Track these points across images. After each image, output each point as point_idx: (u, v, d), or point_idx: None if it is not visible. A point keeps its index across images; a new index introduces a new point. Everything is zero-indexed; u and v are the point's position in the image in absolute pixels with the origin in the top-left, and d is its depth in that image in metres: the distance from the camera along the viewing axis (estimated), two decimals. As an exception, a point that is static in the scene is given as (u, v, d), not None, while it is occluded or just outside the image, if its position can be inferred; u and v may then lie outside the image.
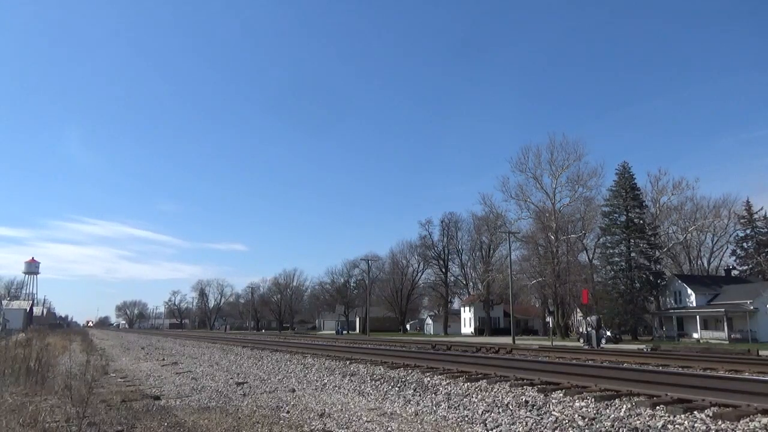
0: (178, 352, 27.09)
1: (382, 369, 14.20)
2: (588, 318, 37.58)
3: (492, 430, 7.21)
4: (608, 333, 37.91)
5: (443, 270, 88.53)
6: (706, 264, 71.88)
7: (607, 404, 8.00)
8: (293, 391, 11.31)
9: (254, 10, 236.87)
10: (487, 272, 72.24)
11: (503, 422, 7.43)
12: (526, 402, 8.53)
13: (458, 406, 8.71)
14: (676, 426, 6.61)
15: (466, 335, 75.64)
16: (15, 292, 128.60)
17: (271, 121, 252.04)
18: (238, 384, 12.57)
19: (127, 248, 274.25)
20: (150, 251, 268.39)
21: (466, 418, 7.86)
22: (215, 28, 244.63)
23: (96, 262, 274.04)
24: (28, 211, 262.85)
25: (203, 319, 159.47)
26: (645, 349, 25.44)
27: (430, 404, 9.05)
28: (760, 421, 6.56)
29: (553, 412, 7.72)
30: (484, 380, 11.03)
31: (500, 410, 8.11)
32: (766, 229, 62.39)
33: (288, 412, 8.75)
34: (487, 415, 7.92)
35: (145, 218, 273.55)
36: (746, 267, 63.47)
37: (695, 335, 49.17)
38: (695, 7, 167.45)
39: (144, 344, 36.74)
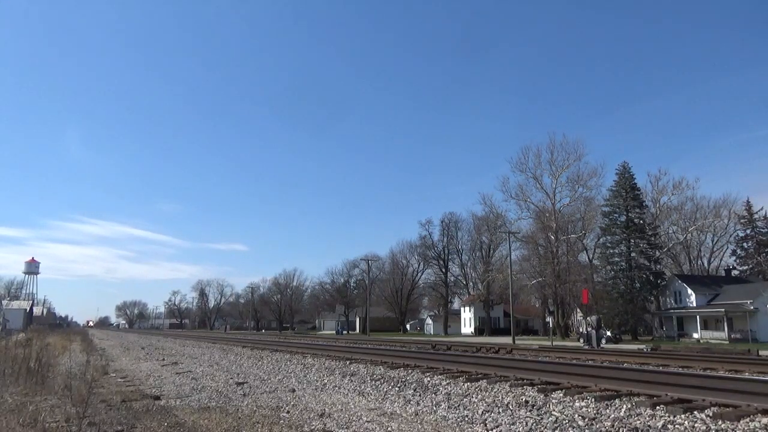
0: (178, 352, 27.08)
1: (382, 369, 14.20)
2: (588, 318, 37.59)
3: (492, 430, 7.21)
4: (608, 333, 37.91)
5: (443, 270, 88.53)
6: (706, 264, 71.86)
7: (607, 404, 8.00)
8: (293, 391, 11.30)
9: (255, 10, 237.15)
10: (487, 272, 72.22)
11: (503, 422, 7.42)
12: (526, 402, 8.53)
13: (458, 406, 8.71)
14: (676, 426, 6.60)
15: (466, 335, 75.64)
16: (15, 292, 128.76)
17: (272, 121, 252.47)
18: (238, 384, 12.56)
19: (127, 248, 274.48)
20: (150, 251, 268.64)
21: (466, 418, 7.85)
22: (215, 28, 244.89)
23: (96, 262, 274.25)
24: (28, 211, 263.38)
25: (203, 319, 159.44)
26: (645, 349, 25.43)
27: (430, 404, 9.04)
28: (760, 421, 6.56)
29: (553, 412, 7.71)
30: (484, 380, 11.03)
31: (500, 410, 8.11)
32: (766, 229, 62.36)
33: (288, 412, 8.75)
34: (487, 415, 7.92)
35: (145, 218, 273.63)
36: (746, 267, 63.43)
37: (695, 335, 49.17)
38: (696, 7, 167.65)
39: (144, 344, 36.74)
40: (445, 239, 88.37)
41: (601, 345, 30.79)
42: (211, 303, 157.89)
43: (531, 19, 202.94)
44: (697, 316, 50.12)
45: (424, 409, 8.72)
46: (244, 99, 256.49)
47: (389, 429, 7.36)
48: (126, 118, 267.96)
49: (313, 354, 20.64)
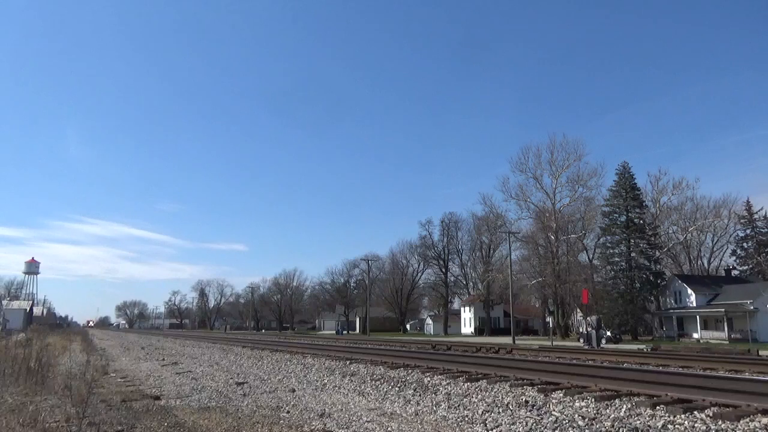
0: (178, 352, 27.08)
1: (382, 369, 14.20)
2: (588, 318, 37.57)
3: (492, 430, 7.21)
4: (608, 333, 37.92)
5: (443, 270, 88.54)
6: (706, 264, 71.86)
7: (607, 404, 8.00)
8: (293, 391, 11.30)
9: (255, 11, 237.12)
10: (487, 272, 72.20)
11: (503, 422, 7.42)
12: (526, 402, 8.53)
13: (458, 406, 8.71)
14: (676, 426, 6.60)
15: (466, 335, 75.64)
16: (15, 292, 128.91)
17: (272, 121, 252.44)
18: (238, 384, 12.56)
19: (127, 248, 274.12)
20: (150, 251, 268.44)
21: (466, 418, 7.85)
22: (216, 27, 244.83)
23: (96, 262, 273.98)
24: (28, 211, 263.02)
25: (203, 319, 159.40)
26: (645, 349, 25.43)
27: (430, 404, 9.04)
28: (760, 421, 6.56)
29: (553, 412, 7.71)
30: (484, 380, 11.03)
31: (500, 410, 8.11)
32: (766, 229, 62.36)
33: (288, 412, 8.75)
34: (487, 415, 7.92)
35: (145, 218, 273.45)
36: (746, 267, 63.43)
37: (695, 335, 49.17)
38: (696, 7, 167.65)
39: (144, 344, 36.74)
40: (445, 239, 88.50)
41: (601, 345, 30.79)
42: (211, 303, 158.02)
43: (531, 19, 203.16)
44: (697, 316, 50.12)
45: (424, 409, 8.72)
46: (244, 99, 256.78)
47: (389, 429, 7.36)
48: (126, 118, 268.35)
49: (313, 354, 20.63)
